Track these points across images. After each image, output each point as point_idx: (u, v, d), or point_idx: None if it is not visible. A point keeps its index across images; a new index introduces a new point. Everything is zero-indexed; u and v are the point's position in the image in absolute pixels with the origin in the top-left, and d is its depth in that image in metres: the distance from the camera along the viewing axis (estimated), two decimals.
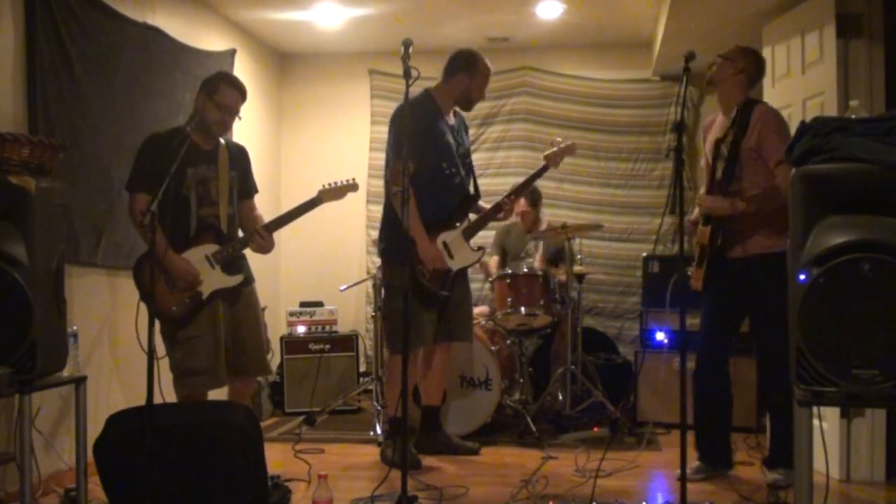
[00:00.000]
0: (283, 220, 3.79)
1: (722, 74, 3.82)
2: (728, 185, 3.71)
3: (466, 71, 4.22)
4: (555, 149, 4.45)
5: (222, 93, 3.57)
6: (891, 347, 2.36)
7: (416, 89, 3.67)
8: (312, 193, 3.92)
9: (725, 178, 3.73)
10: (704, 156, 4.04)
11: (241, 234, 3.75)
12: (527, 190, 4.68)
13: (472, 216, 4.34)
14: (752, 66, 3.82)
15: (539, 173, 4.51)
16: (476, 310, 5.03)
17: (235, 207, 3.72)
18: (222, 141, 3.70)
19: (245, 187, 3.82)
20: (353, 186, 3.97)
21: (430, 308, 4.15)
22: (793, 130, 2.85)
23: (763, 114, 3.69)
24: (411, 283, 4.02)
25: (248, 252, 3.76)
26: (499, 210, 4.33)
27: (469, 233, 4.27)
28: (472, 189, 4.35)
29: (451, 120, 4.29)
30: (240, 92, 3.64)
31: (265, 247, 3.71)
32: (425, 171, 4.05)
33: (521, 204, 5.40)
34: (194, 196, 3.56)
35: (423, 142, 4.03)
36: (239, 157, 3.79)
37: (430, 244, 4.11)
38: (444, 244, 4.19)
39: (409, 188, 3.28)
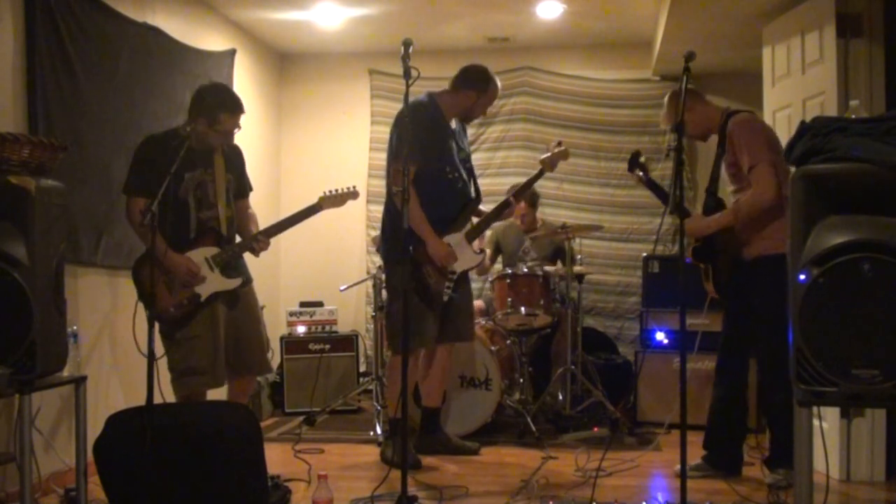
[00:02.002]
0: (282, 225, 3.80)
1: (696, 128, 3.87)
2: (713, 202, 3.79)
3: (477, 89, 4.22)
4: (549, 154, 4.49)
5: (222, 122, 3.56)
6: (891, 347, 2.36)
7: (416, 89, 3.66)
8: (312, 195, 3.94)
9: (708, 195, 3.81)
10: None
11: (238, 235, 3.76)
12: (526, 192, 4.72)
13: (474, 220, 4.35)
14: (695, 101, 3.81)
15: (536, 177, 4.55)
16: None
17: (233, 209, 3.73)
18: None
19: (240, 187, 3.83)
20: (353, 194, 3.99)
21: (433, 309, 4.15)
22: (793, 130, 2.85)
23: (731, 131, 3.70)
24: (416, 284, 4.04)
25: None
26: (506, 206, 4.37)
27: (472, 235, 4.28)
28: (472, 193, 4.36)
29: (453, 124, 4.31)
30: (239, 113, 3.62)
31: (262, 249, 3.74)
32: (428, 175, 4.06)
33: (521, 207, 5.42)
34: (193, 199, 3.56)
35: (426, 144, 4.03)
36: (234, 158, 3.80)
37: (440, 242, 4.12)
38: (448, 246, 4.19)
39: (411, 189, 3.28)
